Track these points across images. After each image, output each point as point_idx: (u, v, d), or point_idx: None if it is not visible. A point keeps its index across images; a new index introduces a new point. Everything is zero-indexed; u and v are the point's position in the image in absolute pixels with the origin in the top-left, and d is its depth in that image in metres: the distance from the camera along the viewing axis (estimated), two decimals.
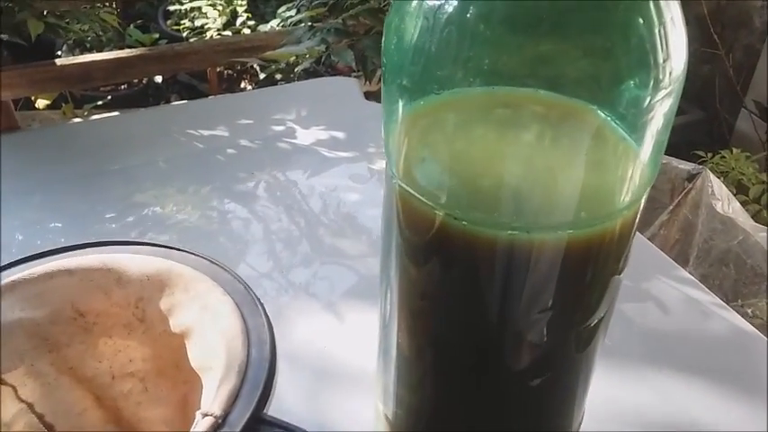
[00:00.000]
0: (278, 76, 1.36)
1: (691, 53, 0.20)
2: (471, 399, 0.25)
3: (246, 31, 1.52)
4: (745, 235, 0.80)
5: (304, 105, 0.65)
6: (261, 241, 0.48)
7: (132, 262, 0.24)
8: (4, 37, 0.77)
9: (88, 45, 1.52)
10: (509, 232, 0.20)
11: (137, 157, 0.56)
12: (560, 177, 0.20)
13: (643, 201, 0.22)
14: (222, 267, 0.24)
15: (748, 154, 1.04)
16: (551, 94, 0.19)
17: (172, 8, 1.63)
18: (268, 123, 0.61)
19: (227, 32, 1.53)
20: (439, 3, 0.19)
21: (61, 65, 0.89)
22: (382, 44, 0.21)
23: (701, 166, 0.87)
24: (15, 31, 0.76)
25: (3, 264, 0.24)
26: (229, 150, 0.57)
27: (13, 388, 0.23)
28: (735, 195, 0.86)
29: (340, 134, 0.60)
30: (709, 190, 0.83)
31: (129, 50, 0.97)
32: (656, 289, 0.44)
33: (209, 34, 1.53)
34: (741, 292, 0.81)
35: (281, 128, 0.61)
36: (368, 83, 0.76)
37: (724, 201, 0.83)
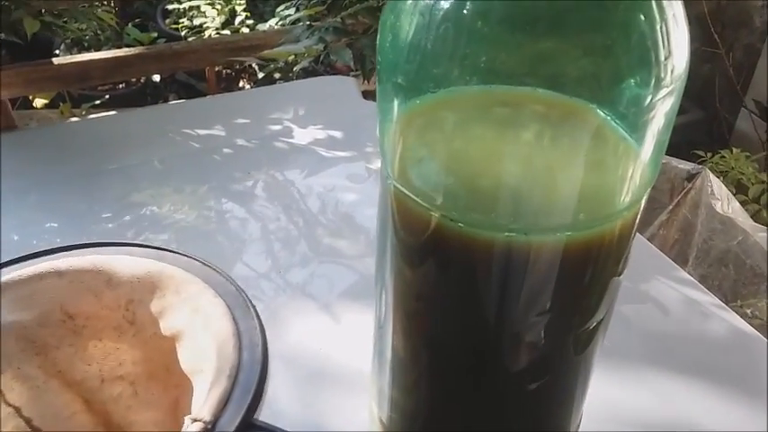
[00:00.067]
0: (276, 76, 1.35)
1: (691, 52, 0.20)
2: (467, 402, 0.25)
3: (245, 30, 1.51)
4: (745, 235, 0.80)
5: (301, 104, 0.65)
6: (258, 241, 0.48)
7: (123, 263, 0.24)
8: (1, 36, 0.77)
9: (86, 44, 1.52)
10: (506, 234, 0.19)
11: (134, 157, 0.55)
12: (559, 178, 0.19)
13: (643, 202, 0.21)
14: (214, 269, 0.24)
15: (748, 153, 1.04)
16: (550, 93, 0.18)
17: (170, 7, 1.62)
18: (265, 123, 0.61)
19: (226, 31, 1.53)
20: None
21: (58, 64, 0.89)
22: (377, 42, 0.20)
23: (700, 166, 0.87)
24: (12, 30, 0.76)
25: None
26: (226, 150, 0.57)
27: (0, 392, 0.23)
28: (734, 195, 0.85)
29: (338, 133, 0.60)
30: (709, 190, 0.83)
31: (126, 49, 0.96)
32: (655, 290, 0.44)
33: (207, 33, 1.52)
34: (740, 293, 0.81)
35: (278, 127, 0.60)
36: (366, 82, 0.75)
37: (723, 201, 0.83)
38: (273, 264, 0.46)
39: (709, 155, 1.04)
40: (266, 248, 0.47)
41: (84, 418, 0.24)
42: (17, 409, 0.23)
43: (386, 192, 0.22)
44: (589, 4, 0.18)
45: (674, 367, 0.38)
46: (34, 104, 1.33)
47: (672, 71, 0.18)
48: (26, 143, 0.58)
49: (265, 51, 0.78)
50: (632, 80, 0.18)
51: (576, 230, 0.20)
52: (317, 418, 0.35)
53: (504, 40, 0.18)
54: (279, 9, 1.02)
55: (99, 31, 1.45)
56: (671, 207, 0.86)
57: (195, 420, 0.19)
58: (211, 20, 1.55)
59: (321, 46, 0.75)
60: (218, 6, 1.56)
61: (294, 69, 0.81)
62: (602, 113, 0.19)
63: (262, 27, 1.40)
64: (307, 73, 1.01)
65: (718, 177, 0.85)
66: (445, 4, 0.18)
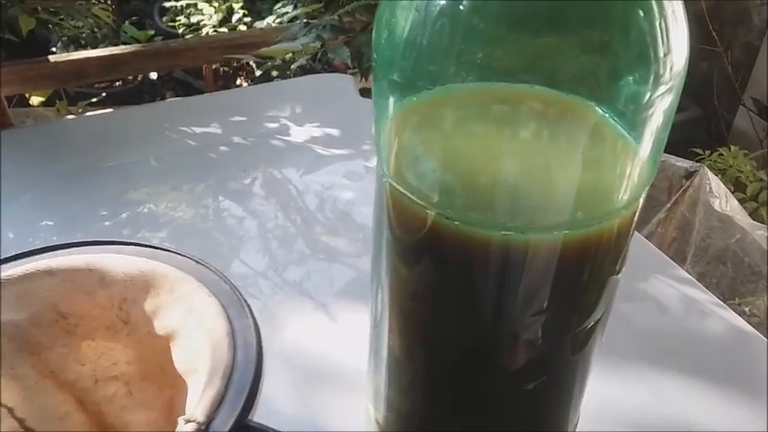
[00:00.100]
0: (274, 74, 1.35)
1: (690, 49, 0.19)
2: (463, 402, 0.24)
3: (242, 27, 1.51)
4: (743, 233, 0.79)
5: (298, 102, 0.64)
6: (255, 239, 0.47)
7: (116, 262, 0.23)
8: None
9: (83, 42, 1.51)
10: (503, 233, 0.19)
11: (130, 155, 0.55)
12: (557, 176, 0.19)
13: (641, 200, 0.21)
14: (208, 268, 0.23)
15: (746, 151, 1.04)
16: (548, 90, 0.18)
17: (167, 4, 1.62)
18: (262, 120, 0.61)
19: (223, 29, 1.52)
20: None
21: (55, 62, 0.89)
22: (372, 39, 0.20)
23: (698, 164, 0.86)
24: (8, 28, 0.75)
25: None
26: (222, 148, 0.57)
27: None
28: (732, 193, 0.85)
29: (335, 131, 0.59)
30: (707, 187, 0.83)
31: (123, 47, 0.96)
32: (653, 288, 0.44)
33: (204, 31, 1.52)
34: (738, 291, 0.81)
35: (274, 125, 0.60)
36: (364, 79, 0.75)
37: (722, 198, 0.82)
38: (271, 262, 0.45)
39: (707, 153, 1.03)
40: (263, 246, 0.47)
41: (77, 418, 0.24)
42: (10, 410, 0.23)
43: (381, 189, 0.22)
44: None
45: (672, 366, 0.38)
46: (31, 102, 1.32)
47: (671, 68, 0.18)
48: (22, 141, 0.58)
49: (262, 49, 0.78)
50: (631, 77, 0.18)
51: (574, 229, 0.19)
52: (313, 418, 0.34)
53: (501, 37, 0.18)
54: (276, 6, 1.02)
55: (96, 29, 1.44)
56: (669, 205, 0.86)
57: (188, 421, 0.18)
58: (208, 17, 1.54)
59: (318, 44, 0.75)
60: (216, 4, 1.56)
61: (292, 67, 0.81)
62: (600, 111, 0.18)
63: (259, 25, 1.39)
64: (304, 71, 1.01)
65: (716, 175, 0.85)
66: (441, 0, 0.18)
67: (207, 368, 0.21)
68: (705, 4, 1.21)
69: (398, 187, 0.20)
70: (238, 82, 1.69)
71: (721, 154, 1.02)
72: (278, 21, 1.01)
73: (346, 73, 0.76)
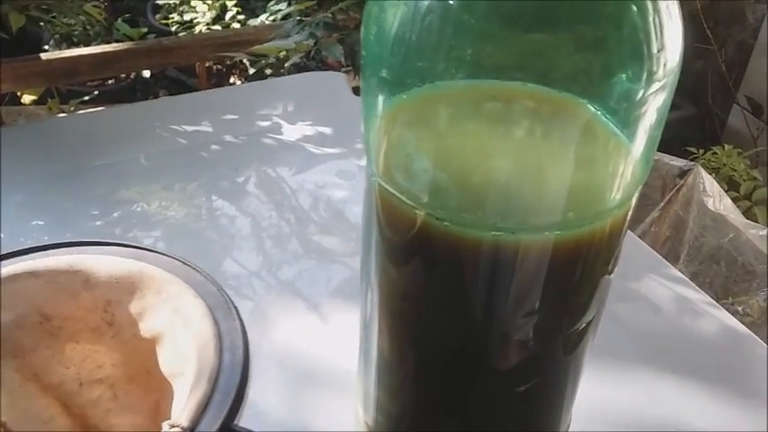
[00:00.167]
0: (268, 72, 1.34)
1: (684, 46, 0.19)
2: (454, 404, 0.24)
3: (236, 25, 1.50)
4: (736, 232, 0.79)
5: (290, 100, 0.64)
6: (247, 239, 0.47)
7: (101, 264, 0.23)
8: None
9: (75, 39, 1.50)
10: (493, 233, 0.19)
11: (121, 153, 0.55)
12: (548, 175, 0.19)
13: (634, 199, 0.21)
14: (195, 269, 0.23)
15: (740, 150, 1.04)
16: (539, 88, 0.18)
17: (161, 2, 1.61)
18: (254, 119, 0.60)
19: (217, 27, 1.51)
20: None
21: (46, 59, 0.88)
22: (361, 35, 0.20)
23: (692, 163, 0.86)
24: None
25: None
26: (214, 146, 0.56)
27: None
28: (726, 192, 0.85)
29: (327, 130, 0.59)
30: (701, 186, 0.83)
31: (115, 45, 0.95)
32: (645, 288, 0.44)
33: (197, 29, 1.51)
34: (732, 290, 0.81)
35: (266, 123, 0.60)
36: (357, 78, 0.75)
37: (715, 197, 0.82)
38: (261, 262, 0.45)
39: (701, 151, 1.03)
40: (256, 246, 0.47)
41: (61, 422, 0.24)
42: None
43: (371, 189, 0.21)
44: None
45: (665, 366, 0.38)
46: (22, 100, 1.31)
47: (664, 65, 0.18)
48: (13, 140, 0.57)
49: (255, 47, 0.77)
50: (624, 74, 0.18)
51: (566, 229, 0.19)
52: (303, 420, 0.34)
53: (491, 33, 0.18)
54: (270, 4, 1.01)
55: (88, 27, 1.43)
56: (662, 204, 0.86)
57: (173, 426, 0.18)
58: (202, 15, 1.53)
59: (311, 41, 0.74)
60: (209, 1, 1.55)
61: (285, 65, 0.81)
62: (592, 108, 0.18)
63: (253, 22, 1.39)
64: (299, 69, 1.00)
65: (710, 174, 0.85)
66: None
67: (193, 371, 0.20)
68: (699, 2, 1.21)
69: (387, 187, 0.20)
70: (232, 80, 1.68)
71: (715, 153, 1.02)
72: (271, 18, 1.00)
73: (340, 71, 0.75)
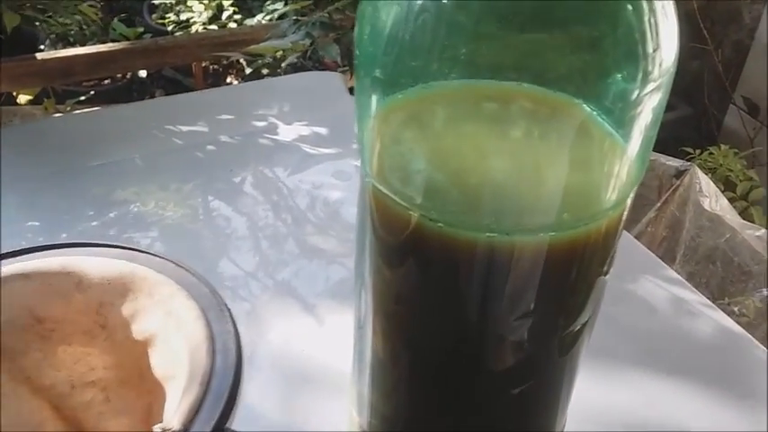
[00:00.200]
0: (264, 71, 1.34)
1: (680, 46, 0.19)
2: (448, 406, 0.24)
3: (232, 25, 1.50)
4: (733, 232, 0.79)
5: (287, 100, 0.64)
6: (243, 239, 0.47)
7: (93, 265, 0.23)
8: None
9: (71, 39, 1.50)
10: (487, 234, 0.19)
11: (117, 154, 0.54)
12: (543, 175, 0.19)
13: (629, 200, 0.21)
14: (188, 270, 0.23)
15: (736, 150, 1.04)
16: (534, 88, 0.17)
17: (157, 1, 1.60)
18: (249, 119, 0.60)
19: (213, 26, 1.51)
20: None
21: (42, 59, 0.88)
22: (355, 34, 0.20)
23: (689, 163, 0.86)
24: None
25: None
26: (209, 147, 0.56)
27: None
28: (722, 192, 0.85)
29: (323, 130, 0.59)
30: (697, 187, 0.83)
31: (111, 44, 0.95)
32: (642, 288, 0.44)
33: (194, 28, 1.51)
34: (728, 290, 0.81)
35: (262, 123, 0.59)
36: (353, 78, 0.74)
37: (712, 198, 0.82)
38: (259, 262, 0.45)
39: (697, 152, 1.03)
40: (252, 246, 0.46)
41: (53, 425, 0.23)
42: None
43: (364, 190, 0.21)
44: None
45: (661, 367, 0.38)
46: (18, 101, 1.31)
47: (660, 64, 0.18)
48: (9, 140, 0.57)
49: (251, 47, 0.77)
50: (619, 74, 0.18)
51: (560, 230, 0.19)
52: (297, 422, 0.34)
53: (486, 32, 0.17)
54: (266, 4, 1.01)
55: (84, 26, 1.43)
56: (659, 204, 0.86)
57: (164, 430, 0.18)
58: (198, 14, 1.53)
59: (308, 41, 0.74)
60: (206, 1, 1.54)
61: (282, 65, 0.80)
62: (587, 108, 0.18)
63: (249, 22, 1.38)
64: (295, 68, 1.00)
65: (706, 174, 0.85)
66: None
67: (185, 374, 0.20)
68: (696, 2, 1.21)
69: (381, 188, 0.20)
70: (228, 80, 1.68)
71: (711, 153, 1.02)
72: (268, 18, 1.00)
73: (337, 71, 0.75)
